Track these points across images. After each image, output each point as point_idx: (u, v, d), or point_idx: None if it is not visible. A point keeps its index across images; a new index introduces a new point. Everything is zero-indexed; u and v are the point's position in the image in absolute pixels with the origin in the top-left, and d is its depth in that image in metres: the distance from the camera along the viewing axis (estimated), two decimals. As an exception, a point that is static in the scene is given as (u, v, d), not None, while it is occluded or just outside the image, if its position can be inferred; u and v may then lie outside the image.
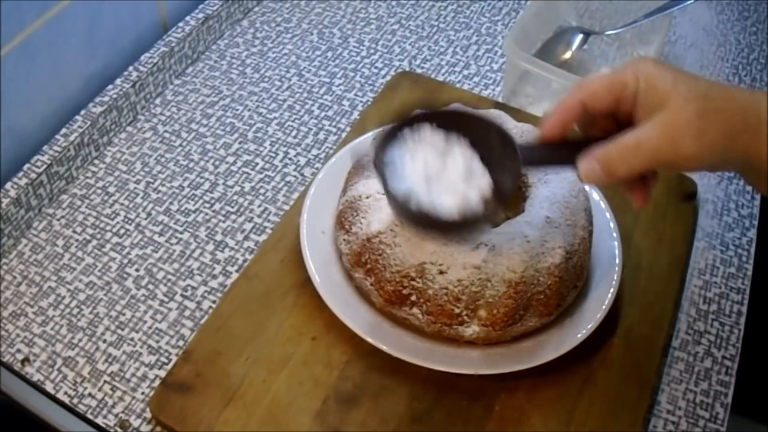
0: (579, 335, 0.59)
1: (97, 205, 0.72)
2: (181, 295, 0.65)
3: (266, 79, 0.84)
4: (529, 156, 0.50)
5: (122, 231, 0.70)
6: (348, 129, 0.78)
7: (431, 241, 0.56)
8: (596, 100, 0.48)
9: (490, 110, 0.67)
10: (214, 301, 0.65)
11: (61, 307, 0.64)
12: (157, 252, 0.68)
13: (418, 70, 0.86)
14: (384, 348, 0.58)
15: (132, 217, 0.71)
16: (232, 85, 0.83)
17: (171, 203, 0.72)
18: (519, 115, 0.75)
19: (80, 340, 0.62)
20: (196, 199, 0.73)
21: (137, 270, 0.67)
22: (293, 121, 0.80)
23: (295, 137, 0.78)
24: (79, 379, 0.60)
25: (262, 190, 0.73)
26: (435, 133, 0.53)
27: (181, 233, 0.70)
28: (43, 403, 0.59)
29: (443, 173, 0.52)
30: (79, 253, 0.68)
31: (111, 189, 0.73)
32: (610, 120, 0.49)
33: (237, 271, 0.67)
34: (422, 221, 0.52)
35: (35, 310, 0.64)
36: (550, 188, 0.61)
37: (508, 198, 0.51)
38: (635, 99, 0.46)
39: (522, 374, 0.58)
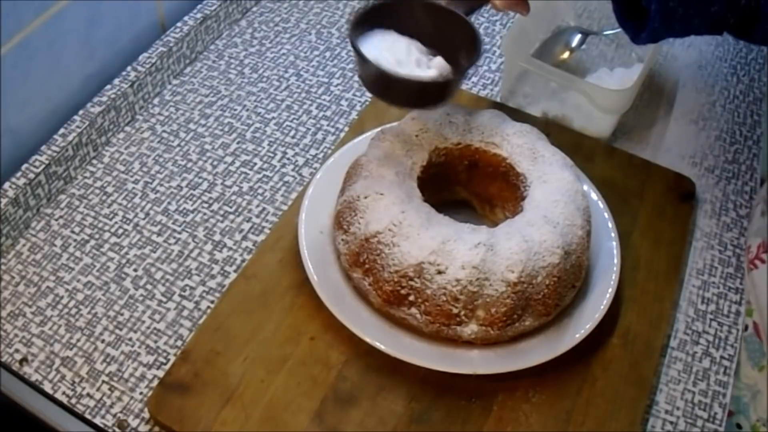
0: (577, 335, 0.60)
1: (96, 205, 0.72)
2: (180, 295, 0.65)
3: (264, 79, 0.84)
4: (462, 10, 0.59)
5: (120, 231, 0.70)
6: (346, 129, 0.78)
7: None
8: None
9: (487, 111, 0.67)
10: (212, 301, 0.65)
11: (60, 307, 0.64)
12: (155, 252, 0.68)
13: (417, 70, 0.86)
14: (382, 348, 0.58)
15: (130, 217, 0.71)
16: (231, 85, 0.83)
17: (169, 203, 0.72)
18: (517, 115, 0.75)
19: (78, 340, 0.62)
20: (195, 199, 0.72)
21: (135, 270, 0.67)
22: (291, 121, 0.80)
23: (293, 137, 0.78)
24: (77, 379, 0.60)
25: (260, 190, 0.73)
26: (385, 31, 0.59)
27: (180, 233, 0.70)
28: (41, 403, 0.59)
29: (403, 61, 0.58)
30: (78, 253, 0.68)
31: (109, 189, 0.73)
32: None
33: (235, 271, 0.67)
34: (400, 83, 0.57)
35: (33, 310, 0.64)
36: (548, 188, 0.61)
37: (474, 59, 0.58)
38: None
39: (520, 374, 0.58)
